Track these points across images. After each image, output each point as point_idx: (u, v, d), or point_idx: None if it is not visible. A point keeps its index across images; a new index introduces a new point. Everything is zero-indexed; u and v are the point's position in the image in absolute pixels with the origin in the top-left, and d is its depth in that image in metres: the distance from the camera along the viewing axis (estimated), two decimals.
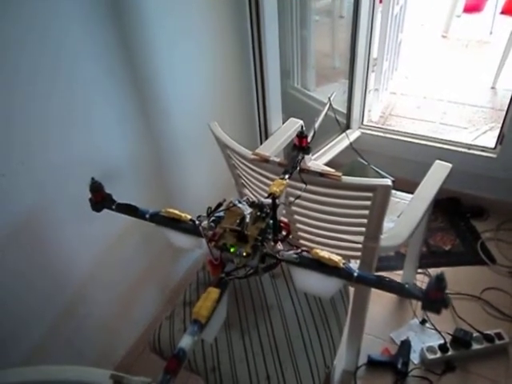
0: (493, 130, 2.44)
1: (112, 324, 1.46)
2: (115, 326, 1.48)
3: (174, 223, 0.83)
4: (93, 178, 0.89)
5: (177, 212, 0.84)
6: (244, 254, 0.71)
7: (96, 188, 0.90)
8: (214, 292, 0.67)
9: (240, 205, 0.77)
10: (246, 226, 0.74)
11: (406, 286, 0.68)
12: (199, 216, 0.80)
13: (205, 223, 0.77)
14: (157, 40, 1.29)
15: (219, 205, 0.79)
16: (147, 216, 0.86)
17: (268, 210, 0.78)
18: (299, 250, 0.73)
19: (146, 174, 1.42)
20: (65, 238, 1.18)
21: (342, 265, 0.70)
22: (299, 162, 0.98)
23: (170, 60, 1.37)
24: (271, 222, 0.78)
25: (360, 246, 1.11)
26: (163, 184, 1.52)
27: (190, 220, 0.82)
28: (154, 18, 1.26)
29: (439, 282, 0.63)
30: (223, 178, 1.41)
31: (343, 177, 0.96)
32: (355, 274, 0.69)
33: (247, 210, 0.76)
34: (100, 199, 0.91)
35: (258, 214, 0.77)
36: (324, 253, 0.71)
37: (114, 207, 0.90)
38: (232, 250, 0.72)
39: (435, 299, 0.65)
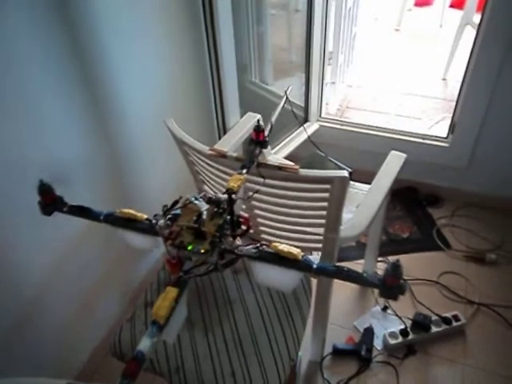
0: (445, 119, 2.53)
1: (72, 330, 1.41)
2: (76, 332, 1.44)
3: (130, 223, 0.81)
4: (41, 180, 0.85)
5: (132, 212, 0.82)
6: (202, 251, 0.70)
7: (45, 190, 0.86)
8: (171, 291, 0.66)
9: (196, 201, 0.76)
10: (202, 223, 0.73)
11: (364, 275, 0.69)
12: (156, 215, 0.78)
13: (161, 222, 0.75)
14: (110, 35, 1.25)
15: (175, 202, 0.77)
16: (101, 217, 0.84)
17: (225, 206, 0.77)
18: (258, 245, 0.73)
19: (100, 175, 1.38)
20: (15, 244, 1.13)
21: (300, 257, 0.70)
22: (257, 156, 0.98)
23: (123, 57, 1.33)
24: (229, 217, 0.77)
25: (321, 237, 1.12)
26: (120, 184, 1.48)
27: (146, 219, 0.80)
28: (107, 13, 1.22)
29: (395, 269, 0.65)
30: (182, 175, 1.39)
31: (301, 170, 0.96)
32: (314, 266, 0.70)
33: (204, 207, 0.75)
34: (50, 202, 0.87)
35: (215, 210, 0.76)
36: (283, 246, 0.71)
37: (65, 209, 0.87)
38: (189, 247, 0.71)
39: (392, 286, 0.66)
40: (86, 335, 1.50)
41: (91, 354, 1.50)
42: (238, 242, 0.77)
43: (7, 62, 0.99)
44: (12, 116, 1.04)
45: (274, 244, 0.72)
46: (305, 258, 0.71)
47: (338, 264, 0.73)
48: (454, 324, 1.56)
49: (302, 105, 2.27)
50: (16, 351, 1.20)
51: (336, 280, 1.25)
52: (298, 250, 0.71)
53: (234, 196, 0.81)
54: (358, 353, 1.52)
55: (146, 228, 0.79)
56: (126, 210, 0.82)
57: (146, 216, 0.81)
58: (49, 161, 1.17)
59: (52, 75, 1.11)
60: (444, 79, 3.05)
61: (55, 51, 1.10)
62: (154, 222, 0.77)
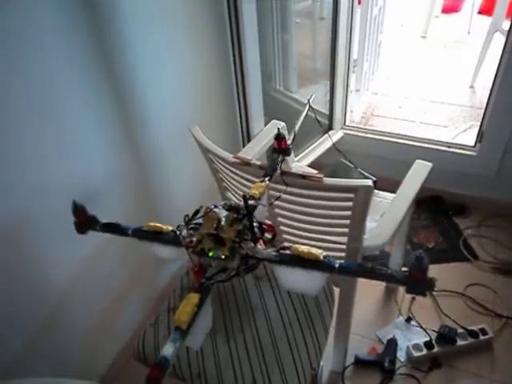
0: (472, 128, 2.48)
1: (96, 333, 1.44)
2: (100, 336, 1.46)
3: (156, 236, 0.83)
4: (74, 201, 0.88)
5: (158, 225, 0.84)
6: (222, 256, 0.71)
7: (78, 210, 0.89)
8: (193, 297, 0.67)
9: (216, 209, 0.77)
10: (221, 229, 0.74)
11: (389, 271, 0.68)
12: (179, 225, 0.79)
13: (184, 232, 0.77)
14: (138, 46, 1.28)
15: (196, 212, 0.79)
16: (130, 232, 0.86)
17: (244, 212, 0.78)
18: (278, 248, 0.73)
19: (128, 182, 1.41)
20: (46, 250, 1.16)
21: (322, 257, 0.70)
22: (279, 164, 0.98)
23: (151, 65, 1.36)
24: (248, 223, 0.77)
25: (344, 246, 1.11)
26: (147, 191, 1.51)
27: (172, 231, 0.82)
28: (134, 23, 1.25)
29: (420, 262, 0.63)
30: (206, 182, 1.41)
31: (325, 178, 0.96)
32: (336, 265, 0.69)
33: (223, 214, 0.76)
34: (84, 221, 0.90)
35: (235, 216, 0.77)
36: (303, 247, 0.71)
37: (98, 228, 0.89)
38: (210, 254, 0.72)
39: (418, 281, 0.64)
40: (110, 339, 1.53)
41: (114, 358, 1.52)
42: (260, 246, 0.77)
43: (33, 70, 1.03)
44: (45, 128, 1.08)
45: (294, 246, 0.72)
46: (326, 258, 0.70)
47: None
48: (481, 337, 1.52)
49: (327, 112, 2.26)
50: (42, 353, 1.23)
51: (358, 289, 1.25)
52: (320, 251, 0.70)
53: (252, 202, 0.82)
54: (381, 364, 1.49)
55: (171, 239, 0.81)
56: (152, 224, 0.84)
57: (171, 228, 0.82)
58: (79, 171, 1.20)
59: (80, 84, 1.15)
60: (471, 87, 2.99)
61: (84, 59, 1.14)
62: (178, 232, 0.78)
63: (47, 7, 1.01)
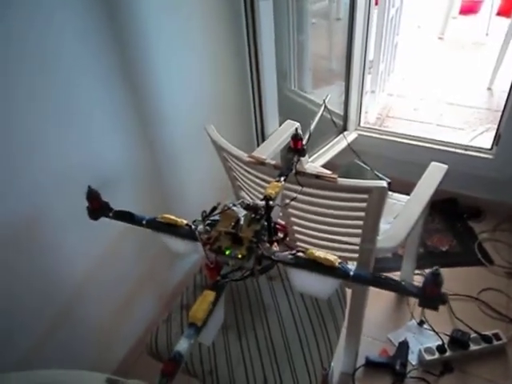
0: (489, 130, 2.45)
1: (110, 327, 1.46)
2: (113, 329, 1.48)
3: (171, 229, 0.84)
4: (89, 186, 0.89)
5: (173, 217, 0.84)
6: (239, 256, 0.72)
7: (93, 196, 0.90)
8: (209, 295, 0.68)
9: (234, 208, 0.77)
10: (240, 229, 0.74)
11: (403, 283, 0.68)
12: (195, 220, 0.80)
13: (200, 227, 0.77)
14: (154, 44, 1.30)
15: (214, 208, 0.79)
16: (144, 222, 0.87)
17: (262, 212, 0.78)
18: (294, 251, 0.74)
19: (143, 178, 1.42)
20: (64, 241, 1.18)
21: (337, 264, 0.70)
22: (295, 164, 0.98)
23: (166, 64, 1.37)
24: (266, 224, 0.78)
25: (357, 247, 1.11)
26: (160, 188, 1.52)
27: (186, 225, 0.82)
28: (151, 22, 1.27)
29: (435, 278, 0.63)
30: (220, 181, 1.41)
31: (339, 179, 0.96)
32: (351, 273, 0.69)
33: (241, 213, 0.77)
34: (97, 207, 0.91)
35: (253, 216, 0.77)
36: (319, 253, 0.71)
37: (111, 215, 0.90)
38: (227, 252, 0.72)
39: (432, 295, 0.65)
40: (122, 334, 1.54)
41: (126, 353, 1.54)
42: (275, 248, 0.78)
43: (56, 68, 1.05)
44: (64, 122, 1.10)
45: (310, 251, 0.72)
46: (342, 265, 0.70)
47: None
48: (495, 343, 1.50)
49: (341, 113, 2.26)
50: (54, 349, 1.25)
51: (371, 291, 1.25)
52: (335, 257, 0.71)
53: (271, 203, 0.82)
54: (392, 367, 1.49)
55: (185, 233, 0.81)
56: (167, 216, 0.85)
57: (185, 221, 0.83)
58: (96, 166, 1.22)
59: (99, 80, 1.17)
60: (489, 89, 2.95)
61: (102, 55, 1.15)
62: (193, 227, 0.79)
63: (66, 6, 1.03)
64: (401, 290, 0.69)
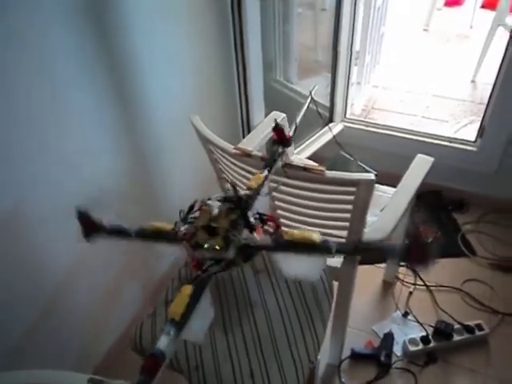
0: (473, 123, 2.47)
1: (93, 322, 1.43)
2: (96, 325, 1.46)
3: (158, 235, 0.82)
4: (78, 209, 0.86)
5: (158, 225, 0.83)
6: (216, 247, 0.70)
7: (83, 217, 0.87)
8: (186, 288, 0.66)
9: (210, 202, 0.76)
10: (215, 220, 0.73)
11: (387, 244, 0.66)
12: (176, 222, 0.78)
13: (182, 228, 0.76)
14: (137, 31, 1.26)
15: (191, 207, 0.78)
16: (132, 235, 0.84)
17: (237, 202, 0.77)
18: (272, 233, 0.72)
19: (128, 177, 1.39)
20: (43, 236, 1.15)
21: (318, 240, 0.68)
22: (280, 155, 0.97)
23: (151, 55, 1.33)
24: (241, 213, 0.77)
25: (344, 240, 1.10)
26: (143, 181, 1.49)
27: (172, 229, 0.80)
28: (134, 12, 1.23)
29: (417, 230, 0.62)
30: (205, 173, 1.39)
31: (327, 171, 0.95)
32: (333, 247, 0.68)
33: (216, 205, 0.75)
34: (90, 229, 0.88)
35: (229, 206, 0.76)
36: (297, 232, 0.70)
37: (103, 233, 0.88)
38: (205, 245, 0.71)
39: (419, 249, 0.62)
40: (107, 328, 1.52)
41: (110, 347, 1.52)
42: (255, 235, 0.76)
43: (41, 64, 1.01)
44: (44, 122, 1.06)
45: (289, 232, 0.70)
46: (323, 240, 0.69)
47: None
48: (477, 333, 1.52)
49: (327, 105, 2.24)
50: (39, 341, 1.23)
51: (357, 283, 1.25)
52: (316, 234, 0.69)
53: (249, 192, 0.81)
54: (377, 358, 1.50)
55: (171, 237, 0.79)
56: (153, 224, 0.83)
57: (171, 226, 0.81)
58: (78, 159, 1.19)
59: (78, 74, 1.13)
60: (473, 81, 2.97)
61: (84, 47, 1.12)
62: (176, 229, 0.77)
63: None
64: (387, 251, 0.66)
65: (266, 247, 0.72)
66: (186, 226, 0.75)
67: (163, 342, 0.61)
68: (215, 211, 0.75)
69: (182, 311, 0.64)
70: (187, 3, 1.43)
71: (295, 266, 0.72)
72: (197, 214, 0.76)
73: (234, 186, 0.81)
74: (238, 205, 0.77)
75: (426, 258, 0.61)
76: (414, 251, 0.63)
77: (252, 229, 0.76)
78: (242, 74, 1.61)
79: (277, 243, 0.71)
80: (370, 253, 0.68)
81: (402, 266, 1.79)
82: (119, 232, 0.86)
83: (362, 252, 0.68)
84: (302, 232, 0.70)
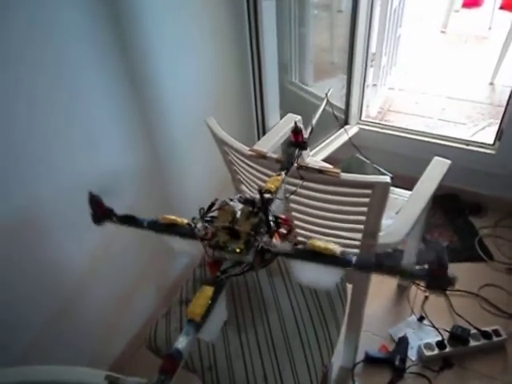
0: (491, 125, 2.43)
1: (108, 321, 1.45)
2: (111, 324, 1.47)
3: (172, 229, 0.82)
4: (90, 193, 0.88)
5: (173, 217, 0.83)
6: (237, 250, 0.70)
7: (94, 201, 0.88)
8: (207, 290, 0.66)
9: (232, 202, 0.76)
10: (237, 223, 0.73)
11: (408, 266, 0.66)
12: (194, 218, 0.79)
13: (200, 225, 0.76)
14: (154, 36, 1.28)
15: (212, 205, 0.78)
16: (145, 225, 0.85)
17: (260, 205, 0.77)
18: (294, 242, 0.72)
19: (143, 175, 1.41)
20: (64, 236, 1.17)
21: (338, 253, 0.68)
22: (296, 158, 0.97)
23: (167, 57, 1.35)
24: (264, 217, 0.76)
25: (358, 243, 1.10)
26: (159, 181, 1.51)
27: (187, 224, 0.81)
28: (151, 14, 1.24)
29: (440, 256, 0.62)
30: (220, 174, 1.40)
31: (342, 174, 0.95)
32: (354, 261, 0.67)
33: (238, 207, 0.75)
34: (100, 213, 0.89)
35: (250, 209, 0.76)
36: (320, 242, 0.70)
37: (114, 219, 0.89)
38: (229, 248, 0.71)
39: (439, 276, 0.62)
40: (121, 329, 1.54)
41: (125, 347, 1.54)
42: (275, 241, 0.76)
43: (60, 65, 1.03)
44: (64, 120, 1.08)
45: (310, 241, 0.70)
46: (343, 253, 0.68)
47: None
48: (494, 339, 1.50)
49: (342, 107, 2.24)
50: (54, 342, 1.25)
51: (371, 286, 1.24)
52: (336, 246, 0.69)
53: (268, 195, 0.81)
54: (392, 362, 1.48)
55: (186, 232, 0.80)
56: (168, 216, 0.83)
57: (186, 221, 0.81)
58: (96, 165, 1.21)
59: (100, 74, 1.15)
60: (491, 84, 2.93)
61: (103, 50, 1.14)
62: (193, 225, 0.78)
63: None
64: (405, 273, 0.66)
65: (285, 254, 0.72)
66: (205, 223, 0.75)
67: (182, 342, 0.61)
68: (238, 213, 0.75)
69: (203, 312, 0.64)
70: (204, 6, 1.44)
71: (310, 273, 0.72)
72: (215, 213, 0.76)
73: (260, 190, 0.80)
74: (261, 209, 0.77)
75: (444, 286, 0.63)
76: (434, 277, 0.63)
77: (272, 234, 0.77)
78: (257, 76, 1.61)
79: (297, 251, 0.71)
80: (391, 272, 0.67)
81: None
82: (130, 220, 0.87)
83: (382, 271, 0.67)
84: (323, 242, 0.70)
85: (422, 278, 0.64)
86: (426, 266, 0.63)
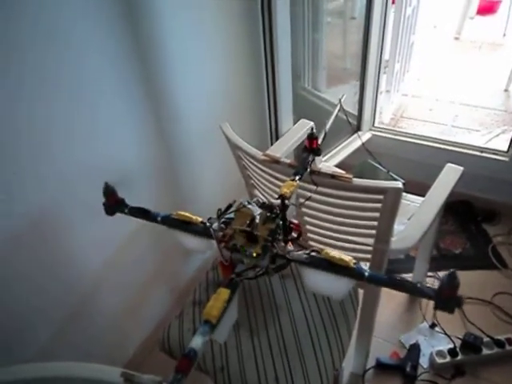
0: (505, 133, 2.41)
1: (121, 323, 1.47)
2: (125, 325, 1.49)
3: (185, 225, 0.84)
4: (106, 183, 0.90)
5: (187, 214, 0.84)
6: (254, 254, 0.72)
7: (109, 192, 0.90)
8: (224, 292, 0.68)
9: (250, 206, 0.77)
10: (255, 227, 0.74)
11: (419, 285, 0.68)
12: (210, 218, 0.80)
13: (215, 225, 0.77)
14: (169, 41, 1.30)
15: (229, 206, 0.79)
16: (159, 219, 0.87)
17: (278, 211, 0.78)
18: (309, 251, 0.73)
19: (157, 176, 1.43)
20: (75, 239, 1.19)
21: (352, 265, 0.70)
22: (310, 163, 0.98)
23: (182, 61, 1.37)
24: (281, 222, 0.78)
25: (370, 248, 1.10)
26: (173, 185, 1.53)
27: (201, 222, 0.83)
28: (166, 19, 1.27)
29: (452, 280, 0.63)
30: (233, 179, 1.42)
31: (354, 179, 0.96)
32: (366, 274, 0.69)
33: (257, 211, 0.77)
34: (113, 203, 0.91)
35: (268, 214, 0.77)
36: (334, 252, 0.71)
37: (126, 211, 0.91)
38: (246, 252, 0.72)
39: (448, 298, 0.64)
40: (134, 329, 1.55)
41: (138, 348, 1.55)
42: (290, 247, 0.77)
43: (76, 58, 1.05)
44: (79, 118, 1.10)
45: (325, 251, 0.72)
46: (357, 265, 0.70)
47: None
48: (508, 348, 1.48)
49: (355, 113, 2.24)
50: (69, 342, 1.27)
51: (383, 292, 1.24)
52: (350, 258, 0.71)
53: (286, 202, 0.82)
54: (403, 369, 1.48)
55: (200, 231, 0.81)
56: (182, 213, 0.85)
57: (200, 219, 0.83)
58: (110, 163, 1.23)
59: (115, 74, 1.17)
60: (506, 90, 2.92)
61: (117, 50, 1.15)
62: (208, 224, 0.79)
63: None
64: (416, 292, 0.68)
65: (300, 261, 0.73)
66: (221, 224, 0.77)
67: (197, 342, 0.63)
68: (256, 218, 0.76)
69: (219, 314, 0.66)
70: (219, 13, 1.47)
71: (321, 281, 0.74)
72: (232, 215, 0.78)
73: (283, 197, 0.81)
74: (278, 215, 0.78)
75: (452, 308, 0.64)
76: (443, 298, 0.64)
77: (287, 241, 0.78)
78: (271, 82, 1.63)
79: (311, 260, 0.72)
80: (402, 289, 0.69)
81: (430, 276, 1.76)
82: (144, 213, 0.89)
83: (394, 287, 0.69)
84: (337, 253, 0.71)
85: (432, 298, 0.65)
86: (437, 287, 0.65)
